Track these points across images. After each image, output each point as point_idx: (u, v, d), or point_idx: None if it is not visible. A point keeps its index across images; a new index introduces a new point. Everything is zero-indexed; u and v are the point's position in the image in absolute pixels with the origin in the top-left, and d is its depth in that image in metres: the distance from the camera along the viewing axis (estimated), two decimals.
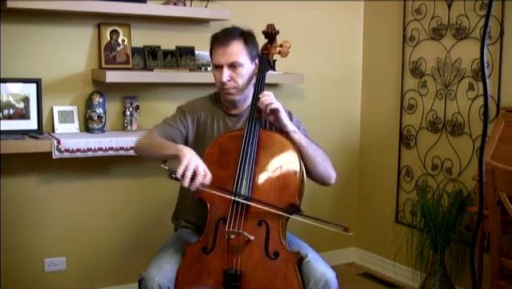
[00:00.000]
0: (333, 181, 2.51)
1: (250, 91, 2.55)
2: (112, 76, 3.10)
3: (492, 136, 3.13)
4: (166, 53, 3.38)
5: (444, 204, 3.49)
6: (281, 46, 2.62)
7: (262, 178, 2.34)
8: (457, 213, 3.37)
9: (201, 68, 3.44)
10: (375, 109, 4.08)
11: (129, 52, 3.27)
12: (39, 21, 3.11)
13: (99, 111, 3.20)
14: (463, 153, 3.51)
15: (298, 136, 2.42)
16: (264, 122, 2.48)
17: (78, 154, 3.02)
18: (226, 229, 2.26)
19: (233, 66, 2.46)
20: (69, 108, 3.21)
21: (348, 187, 4.16)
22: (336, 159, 3.66)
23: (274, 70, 2.59)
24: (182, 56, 3.41)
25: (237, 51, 2.46)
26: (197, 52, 3.44)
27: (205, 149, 2.42)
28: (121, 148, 3.10)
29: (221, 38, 2.49)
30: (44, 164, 3.14)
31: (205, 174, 2.21)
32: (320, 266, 2.32)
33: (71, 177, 3.26)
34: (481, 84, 3.37)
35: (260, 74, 2.52)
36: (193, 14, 3.39)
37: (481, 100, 3.37)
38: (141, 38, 3.33)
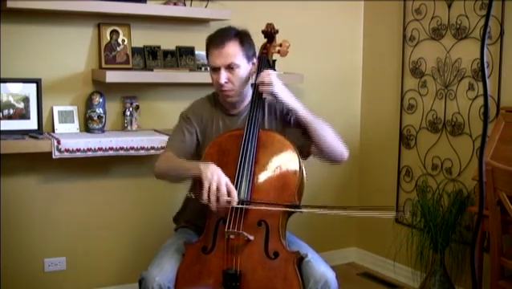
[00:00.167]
0: (346, 156, 2.50)
1: (249, 90, 2.55)
2: (112, 76, 3.10)
3: (492, 136, 3.13)
4: (166, 53, 3.38)
5: (444, 204, 3.48)
6: (280, 45, 2.61)
7: (261, 178, 2.34)
8: (457, 213, 3.37)
9: (201, 68, 3.44)
10: (375, 109, 4.08)
11: (129, 52, 3.27)
12: (39, 21, 3.11)
13: (99, 111, 3.20)
14: (463, 153, 3.50)
15: (302, 112, 2.44)
16: (269, 109, 2.52)
17: (78, 154, 3.02)
18: (226, 229, 2.25)
19: (230, 67, 2.44)
20: (69, 108, 3.21)
21: (348, 187, 4.16)
22: None
23: (274, 70, 2.58)
24: (182, 56, 3.41)
25: (234, 52, 2.44)
26: (197, 52, 3.44)
27: (205, 149, 2.43)
28: (121, 148, 3.10)
29: (217, 40, 2.46)
30: (44, 164, 3.14)
31: (228, 191, 2.21)
32: (320, 266, 2.31)
33: (71, 177, 3.26)
34: (481, 84, 3.37)
35: (259, 73, 2.51)
36: (193, 14, 3.39)
37: (481, 100, 3.37)
38: (141, 38, 3.33)
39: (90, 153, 3.04)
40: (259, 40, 2.61)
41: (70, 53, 3.20)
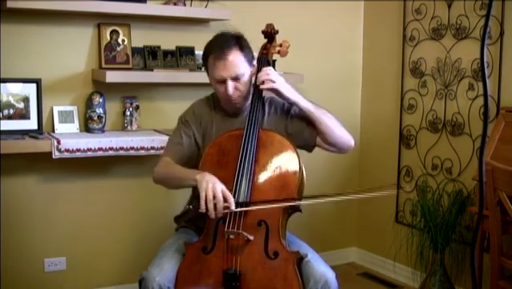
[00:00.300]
0: (352, 143, 2.51)
1: (250, 90, 2.55)
2: (112, 76, 3.10)
3: (492, 136, 3.13)
4: (166, 53, 3.38)
5: (444, 204, 3.48)
6: (280, 45, 2.62)
7: (261, 178, 2.34)
8: (457, 213, 3.37)
9: (201, 68, 3.44)
10: (375, 109, 4.08)
11: (129, 52, 3.27)
12: (39, 21, 3.11)
13: (99, 111, 3.20)
14: (463, 153, 3.50)
15: (304, 103, 2.45)
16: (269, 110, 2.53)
17: (78, 154, 3.02)
18: (226, 229, 2.26)
19: (236, 78, 2.44)
20: (69, 108, 3.21)
21: (348, 187, 4.15)
22: (336, 159, 3.69)
23: (274, 70, 2.59)
24: (182, 56, 3.41)
25: (237, 62, 2.43)
26: (197, 52, 3.44)
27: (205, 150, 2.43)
28: (121, 148, 3.10)
29: (218, 51, 2.43)
30: (44, 164, 3.14)
31: (224, 198, 2.21)
32: (320, 266, 2.31)
33: (71, 177, 3.26)
34: (481, 84, 3.37)
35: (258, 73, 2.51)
36: (193, 14, 3.39)
37: (481, 100, 3.37)
38: (141, 38, 3.33)
39: (90, 153, 3.04)
40: (259, 40, 2.61)
41: (70, 53, 3.20)
